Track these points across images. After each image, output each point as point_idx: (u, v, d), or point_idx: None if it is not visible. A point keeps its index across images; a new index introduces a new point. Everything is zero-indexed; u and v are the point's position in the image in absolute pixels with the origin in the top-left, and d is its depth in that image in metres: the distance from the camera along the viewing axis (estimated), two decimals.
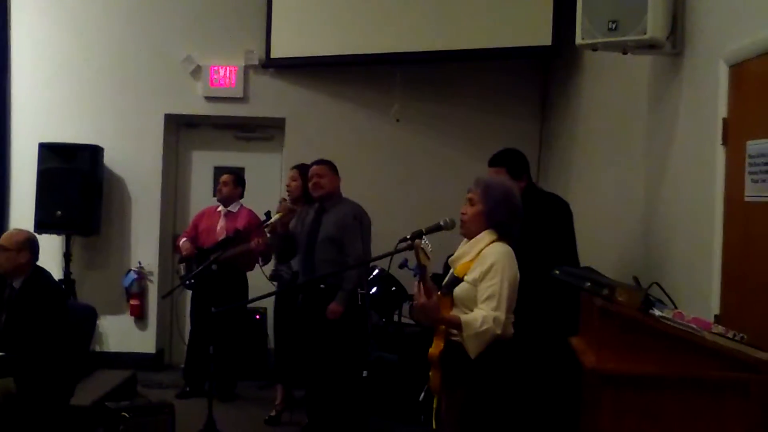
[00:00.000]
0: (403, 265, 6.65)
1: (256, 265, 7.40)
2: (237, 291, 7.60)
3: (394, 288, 7.39)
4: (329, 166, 6.40)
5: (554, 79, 8.38)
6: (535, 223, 4.65)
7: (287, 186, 7.12)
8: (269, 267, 7.31)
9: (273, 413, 7.09)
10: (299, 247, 6.37)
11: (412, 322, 7.43)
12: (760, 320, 3.46)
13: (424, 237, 4.02)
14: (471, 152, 8.47)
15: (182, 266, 7.69)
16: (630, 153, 5.59)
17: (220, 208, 7.84)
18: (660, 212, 4.91)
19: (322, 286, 6.10)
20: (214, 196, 8.20)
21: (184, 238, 7.74)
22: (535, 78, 8.76)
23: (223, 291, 7.36)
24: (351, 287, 6.03)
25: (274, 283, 7.11)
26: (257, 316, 8.53)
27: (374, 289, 7.22)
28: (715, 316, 3.90)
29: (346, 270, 5.99)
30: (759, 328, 3.41)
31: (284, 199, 7.00)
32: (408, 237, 4.14)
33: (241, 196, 7.94)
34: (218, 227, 7.73)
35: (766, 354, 2.89)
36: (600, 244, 5.75)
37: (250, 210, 7.83)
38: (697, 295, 4.11)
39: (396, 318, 7.62)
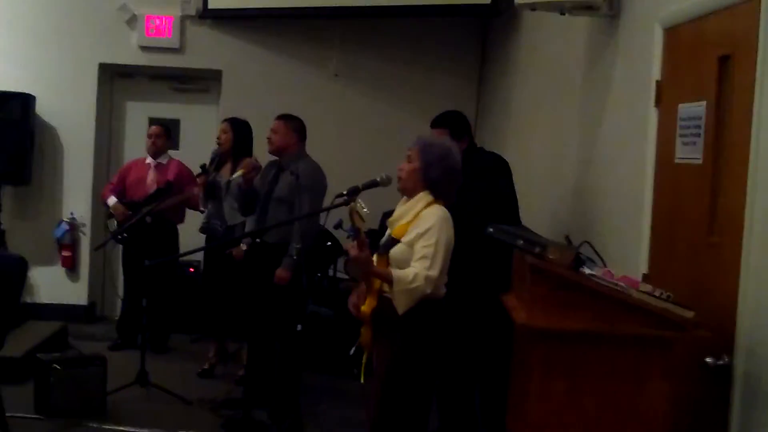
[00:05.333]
0: (338, 226, 6.67)
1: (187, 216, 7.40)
2: (169, 243, 7.57)
3: (329, 243, 7.41)
4: (286, 121, 6.21)
5: (493, 38, 8.42)
6: (475, 182, 4.71)
7: (218, 138, 7.01)
8: (199, 219, 7.26)
9: (206, 366, 7.10)
10: (257, 204, 6.28)
11: (346, 276, 7.49)
12: (686, 280, 3.56)
13: (359, 200, 4.04)
14: (409, 108, 8.52)
15: (112, 221, 7.59)
16: (565, 114, 5.66)
17: (149, 160, 7.75)
18: (593, 173, 4.99)
19: (257, 240, 6.04)
20: None
21: (113, 198, 7.61)
22: (474, 36, 8.79)
23: (154, 243, 7.29)
24: (298, 253, 5.81)
25: (204, 234, 7.11)
26: (191, 269, 8.48)
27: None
28: (644, 275, 3.99)
29: (276, 226, 5.89)
30: (685, 287, 3.49)
31: (234, 153, 6.91)
32: (344, 193, 4.17)
33: (170, 147, 7.88)
34: (149, 179, 7.65)
35: (690, 312, 2.97)
36: (534, 204, 5.83)
37: (179, 161, 7.78)
38: (627, 254, 4.21)
39: (330, 273, 7.66)
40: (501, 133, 7.47)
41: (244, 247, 6.45)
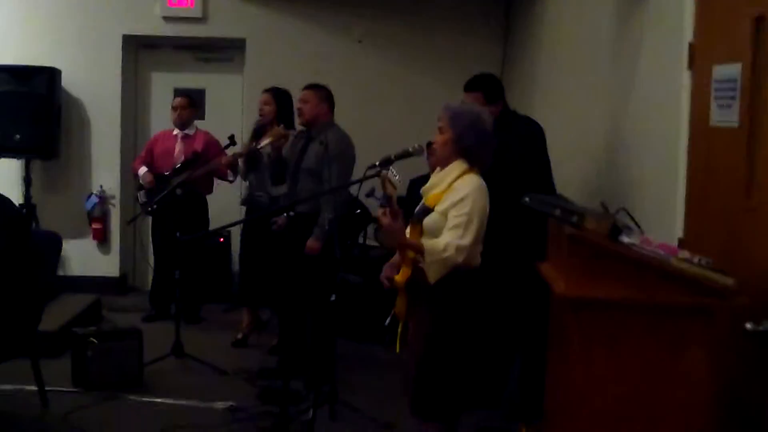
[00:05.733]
0: (370, 194, 6.68)
1: (227, 183, 7.54)
2: (198, 214, 7.60)
3: (359, 210, 7.41)
4: (315, 91, 6.15)
5: (519, 2, 8.31)
6: (509, 148, 4.68)
7: (260, 110, 6.94)
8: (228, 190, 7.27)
9: (240, 336, 7.14)
10: (287, 175, 6.29)
11: (376, 244, 7.49)
12: (723, 244, 3.53)
13: (391, 168, 4.03)
14: (433, 74, 8.51)
15: (142, 193, 7.62)
16: (594, 78, 5.59)
17: (176, 131, 7.75)
18: (625, 137, 4.94)
19: (291, 213, 6.03)
20: None
21: (143, 167, 7.65)
22: (500, 2, 8.69)
23: (184, 215, 7.23)
24: (328, 223, 5.86)
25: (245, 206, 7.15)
26: (221, 239, 8.52)
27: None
28: (679, 239, 3.97)
29: (309, 199, 5.89)
30: (722, 252, 3.47)
31: (264, 122, 6.85)
32: (377, 163, 4.16)
33: (197, 117, 7.87)
34: (176, 151, 7.67)
35: (730, 279, 2.94)
36: (564, 169, 5.74)
37: (206, 132, 7.79)
38: (662, 219, 4.17)
39: (361, 240, 7.67)
40: (527, 98, 7.39)
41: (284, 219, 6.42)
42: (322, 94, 6.16)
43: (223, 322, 7.80)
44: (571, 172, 5.83)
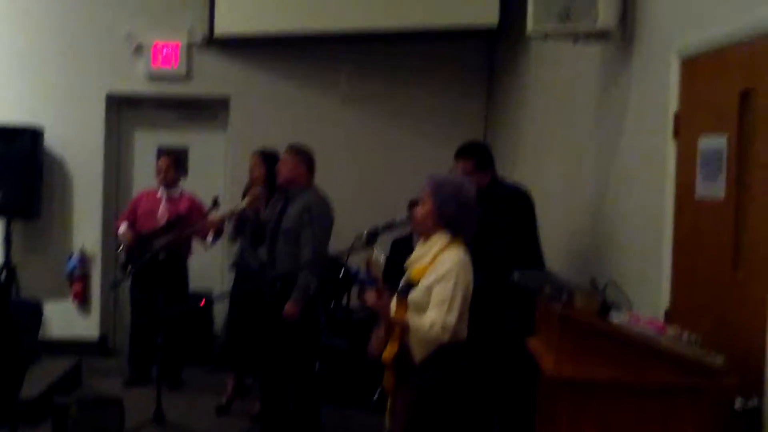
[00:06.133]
0: (354, 274, 6.74)
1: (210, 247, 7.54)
2: (179, 277, 7.55)
3: (342, 273, 7.36)
4: (294, 152, 6.17)
5: (501, 60, 8.36)
6: (497, 219, 4.66)
7: (250, 172, 6.92)
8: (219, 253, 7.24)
9: (223, 401, 7.02)
10: (266, 236, 6.24)
11: (360, 306, 7.43)
12: (711, 316, 3.51)
13: (375, 248, 4.03)
14: (418, 131, 8.53)
15: (123, 253, 7.55)
16: (578, 141, 5.59)
17: (161, 191, 7.69)
18: (610, 203, 4.94)
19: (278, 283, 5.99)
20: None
21: (124, 223, 7.59)
22: (482, 58, 8.74)
23: (165, 277, 7.18)
24: (306, 286, 5.86)
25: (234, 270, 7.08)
26: (201, 304, 8.40)
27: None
28: (665, 310, 3.94)
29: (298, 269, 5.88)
30: (709, 323, 3.46)
31: (254, 186, 6.82)
32: (364, 235, 4.14)
33: (181, 177, 7.86)
34: (159, 212, 7.58)
35: (719, 358, 2.92)
36: (549, 234, 5.67)
37: (191, 194, 7.74)
38: (649, 288, 4.16)
39: (345, 303, 7.61)
40: (511, 158, 7.39)
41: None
42: (302, 157, 6.18)
43: (206, 385, 7.65)
44: (556, 235, 5.80)
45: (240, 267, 6.97)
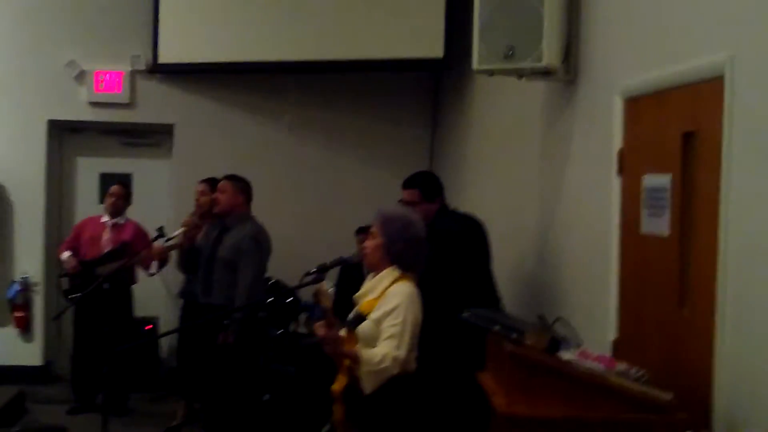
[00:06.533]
0: (304, 307, 6.80)
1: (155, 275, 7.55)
2: (123, 304, 7.54)
3: (290, 299, 7.38)
4: (233, 182, 6.29)
5: (447, 90, 8.46)
6: (446, 250, 4.72)
7: (196, 200, 7.01)
8: (177, 282, 7.24)
9: (174, 424, 7.02)
10: (200, 263, 6.29)
11: (306, 332, 7.47)
12: (658, 349, 3.62)
13: (325, 279, 4.09)
14: (364, 160, 8.61)
15: (65, 280, 7.51)
16: (523, 175, 5.67)
17: (106, 218, 7.66)
18: (555, 236, 5.02)
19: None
20: (101, 203, 8.03)
21: (67, 251, 7.54)
22: (428, 88, 8.86)
23: (109, 304, 7.25)
24: (240, 317, 5.97)
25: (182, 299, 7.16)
26: (148, 326, 8.38)
27: (270, 299, 7.22)
28: (613, 341, 4.04)
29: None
30: (656, 356, 3.56)
31: (196, 213, 6.89)
32: (313, 271, 4.19)
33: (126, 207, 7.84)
34: (104, 239, 7.57)
35: (669, 394, 3.01)
36: (499, 263, 5.73)
37: (136, 222, 7.72)
38: (596, 319, 4.23)
39: (292, 329, 7.63)
40: (457, 186, 7.43)
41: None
42: (240, 185, 6.30)
43: (152, 412, 7.63)
44: (501, 270, 5.81)
45: (187, 295, 6.99)
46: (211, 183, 6.92)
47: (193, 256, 6.44)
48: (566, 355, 3.20)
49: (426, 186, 5.32)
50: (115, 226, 7.62)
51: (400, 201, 5.20)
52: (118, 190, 7.72)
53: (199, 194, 6.99)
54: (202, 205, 6.91)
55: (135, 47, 8.65)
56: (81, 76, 8.66)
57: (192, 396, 7.12)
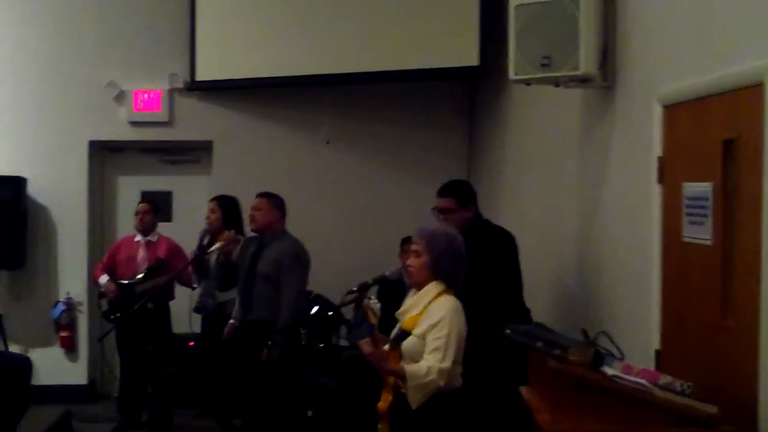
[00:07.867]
0: (354, 324, 6.81)
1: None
2: (162, 321, 7.55)
3: (331, 312, 7.38)
4: (269, 199, 6.34)
5: (483, 98, 8.42)
6: (479, 260, 4.68)
7: (207, 218, 7.07)
8: (192, 297, 7.28)
9: None
10: (239, 279, 6.32)
11: (348, 344, 7.45)
12: (701, 360, 3.54)
13: (370, 295, 4.06)
14: (402, 171, 8.59)
15: (104, 301, 7.55)
16: (561, 183, 5.61)
17: (139, 237, 7.70)
18: (595, 246, 4.94)
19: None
20: None
21: (104, 276, 7.58)
22: (464, 98, 8.83)
23: (149, 322, 7.28)
24: (285, 333, 5.98)
25: (198, 314, 7.21)
26: (191, 343, 8.40)
27: (314, 310, 7.25)
28: (656, 350, 3.97)
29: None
30: (700, 367, 3.49)
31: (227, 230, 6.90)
32: (355, 288, 4.17)
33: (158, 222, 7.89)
34: (139, 257, 7.61)
35: (713, 408, 2.96)
36: (530, 277, 5.57)
37: (168, 238, 7.76)
38: (639, 330, 4.16)
39: (334, 342, 7.62)
40: (495, 195, 7.42)
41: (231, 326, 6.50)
42: (275, 202, 6.35)
43: (196, 427, 7.65)
44: (539, 280, 5.79)
45: (201, 310, 7.05)
46: (221, 201, 6.98)
47: (229, 271, 6.53)
48: (610, 370, 3.15)
49: (462, 194, 5.33)
50: (148, 243, 7.66)
51: (434, 209, 5.21)
52: (144, 207, 7.75)
53: (208, 212, 7.06)
54: (212, 223, 6.96)
55: (173, 66, 8.73)
56: (120, 96, 8.76)
57: (225, 414, 7.12)
